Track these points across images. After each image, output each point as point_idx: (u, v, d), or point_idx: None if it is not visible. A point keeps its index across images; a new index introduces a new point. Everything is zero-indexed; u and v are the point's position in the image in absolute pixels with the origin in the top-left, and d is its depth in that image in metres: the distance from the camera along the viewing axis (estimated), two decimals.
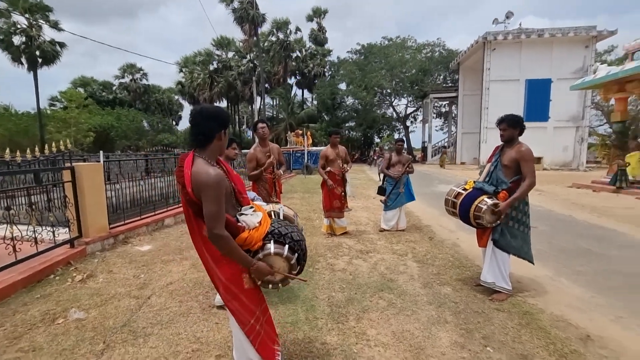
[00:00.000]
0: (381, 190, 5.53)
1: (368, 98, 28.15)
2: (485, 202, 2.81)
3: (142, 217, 5.46)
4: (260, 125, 3.71)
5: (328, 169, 5.11)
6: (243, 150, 7.47)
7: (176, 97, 40.33)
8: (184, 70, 34.95)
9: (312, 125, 29.92)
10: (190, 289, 3.24)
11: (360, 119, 30.71)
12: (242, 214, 1.68)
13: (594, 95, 20.13)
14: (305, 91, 37.97)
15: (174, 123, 41.97)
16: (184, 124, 45.59)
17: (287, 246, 1.66)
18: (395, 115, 34.12)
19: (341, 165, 5.16)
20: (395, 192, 5.35)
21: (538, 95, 19.84)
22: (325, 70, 35.27)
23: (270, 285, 1.74)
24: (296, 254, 1.69)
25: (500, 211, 2.80)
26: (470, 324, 2.54)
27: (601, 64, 14.00)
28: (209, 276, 1.78)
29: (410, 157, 5.77)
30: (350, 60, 31.92)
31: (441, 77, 30.47)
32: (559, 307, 2.81)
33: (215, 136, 1.63)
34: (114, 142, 26.16)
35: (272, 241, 1.66)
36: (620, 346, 2.27)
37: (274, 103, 36.45)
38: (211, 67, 34.36)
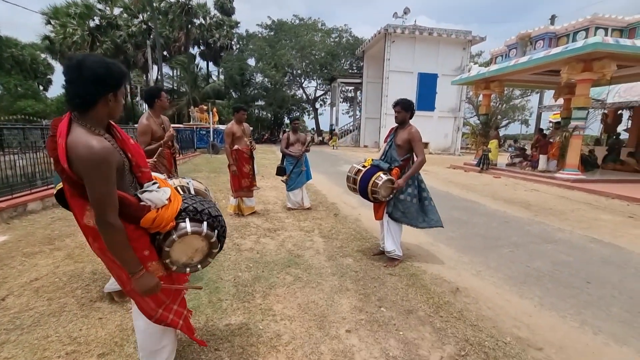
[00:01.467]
0: (280, 171, 5.52)
1: (278, 77, 27.69)
2: (381, 177, 3.08)
3: None
4: (164, 94, 3.29)
5: (235, 146, 4.86)
6: (135, 125, 6.52)
7: (43, 55, 32.62)
8: (52, 22, 28.34)
9: (219, 101, 28.09)
10: (64, 283, 2.73)
11: (270, 98, 30.08)
12: (146, 191, 1.41)
13: (468, 91, 23.83)
14: (211, 64, 35.14)
15: (41, 88, 34.09)
16: (55, 90, 37.44)
17: (205, 223, 1.50)
18: (305, 97, 34.52)
19: (248, 142, 4.96)
20: (296, 171, 5.39)
21: (427, 88, 22.52)
22: (233, 43, 33.11)
23: (187, 269, 1.55)
24: (216, 231, 1.54)
25: (398, 186, 3.10)
26: (368, 289, 2.79)
27: (474, 64, 16.64)
28: (104, 263, 1.49)
29: (308, 135, 5.86)
30: (260, 35, 30.66)
31: (348, 62, 31.81)
32: (437, 267, 3.31)
33: (99, 101, 1.25)
34: None
35: (187, 219, 1.47)
36: (478, 293, 2.80)
37: (174, 74, 32.81)
38: (92, 24, 28.73)
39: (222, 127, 19.04)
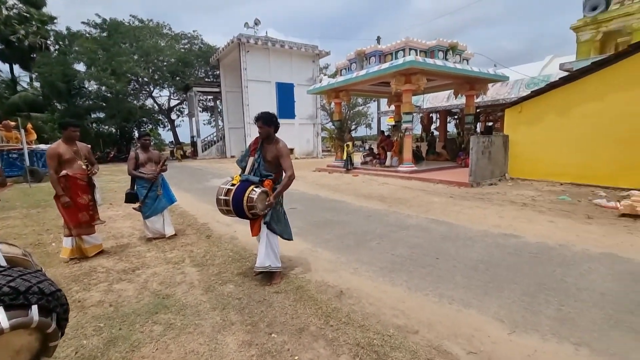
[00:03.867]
0: (131, 197, 4.65)
1: (119, 86, 23.81)
2: (255, 191, 2.91)
3: None
4: None
5: (64, 172, 3.82)
6: None
7: None
8: None
9: (37, 114, 22.05)
10: None
11: (112, 110, 25.52)
12: None
13: (321, 99, 26.22)
14: (18, 68, 27.30)
15: None
16: None
17: (34, 308, 0.99)
18: (157, 107, 30.92)
19: (83, 166, 3.97)
20: (151, 195, 4.65)
21: (286, 96, 23.64)
22: (50, 42, 26.63)
23: None
24: (54, 314, 1.04)
25: (270, 203, 2.98)
26: (255, 316, 2.57)
27: (324, 75, 18.38)
28: None
29: (162, 152, 5.21)
30: (88, 36, 25.68)
31: (203, 71, 30.24)
32: (320, 274, 3.36)
33: None
34: None
35: (1, 308, 0.94)
36: (359, 291, 2.96)
37: None
38: None
39: (43, 147, 14.97)
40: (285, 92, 23.52)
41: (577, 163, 7.87)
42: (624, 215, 5.17)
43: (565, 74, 8.42)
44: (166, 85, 29.11)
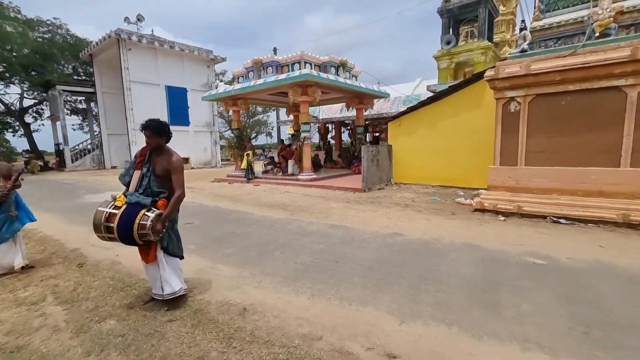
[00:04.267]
0: None
1: None
2: (147, 216, 2.56)
3: None
4: None
5: None
6: None
7: None
8: None
9: None
10: None
11: None
12: None
13: (219, 106, 25.11)
14: None
15: None
16: None
17: None
18: (3, 107, 24.65)
19: None
20: (0, 217, 3.73)
21: (178, 102, 21.81)
22: None
23: None
24: None
25: (156, 230, 2.61)
26: (144, 353, 2.24)
27: (221, 82, 17.66)
28: None
29: (13, 164, 4.21)
30: None
31: (71, 66, 25.53)
32: (221, 293, 3.16)
33: None
34: None
35: None
36: (264, 305, 2.89)
37: None
38: None
39: None
40: (177, 97, 21.69)
41: (443, 169, 9.46)
42: (476, 210, 6.42)
43: (431, 94, 10.09)
44: (16, 81, 23.52)
